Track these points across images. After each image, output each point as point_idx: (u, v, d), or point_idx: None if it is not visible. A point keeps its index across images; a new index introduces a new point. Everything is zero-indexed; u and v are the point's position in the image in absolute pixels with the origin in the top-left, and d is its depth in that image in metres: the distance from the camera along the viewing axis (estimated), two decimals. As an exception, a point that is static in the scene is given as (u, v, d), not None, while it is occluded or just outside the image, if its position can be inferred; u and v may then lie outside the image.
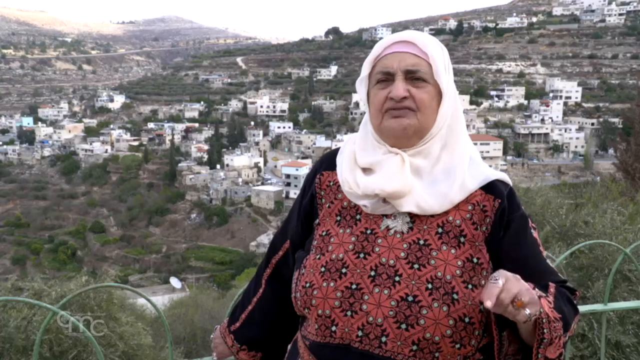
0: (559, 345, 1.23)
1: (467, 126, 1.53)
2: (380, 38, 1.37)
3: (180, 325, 10.17)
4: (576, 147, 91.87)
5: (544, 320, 1.19)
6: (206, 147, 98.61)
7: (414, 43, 1.36)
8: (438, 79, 1.35)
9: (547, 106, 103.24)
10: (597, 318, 3.26)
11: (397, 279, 1.30)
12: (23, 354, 3.86)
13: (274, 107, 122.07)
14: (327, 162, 1.53)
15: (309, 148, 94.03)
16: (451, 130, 1.40)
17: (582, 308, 2.38)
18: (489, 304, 1.12)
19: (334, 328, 1.32)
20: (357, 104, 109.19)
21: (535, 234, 1.41)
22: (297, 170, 73.21)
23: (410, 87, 1.34)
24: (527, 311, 1.15)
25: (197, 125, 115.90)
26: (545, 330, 1.20)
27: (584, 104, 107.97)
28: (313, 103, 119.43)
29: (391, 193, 1.33)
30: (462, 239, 1.33)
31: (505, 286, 1.14)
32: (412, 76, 1.34)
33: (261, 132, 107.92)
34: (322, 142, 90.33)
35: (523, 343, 1.28)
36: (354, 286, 1.31)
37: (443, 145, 1.39)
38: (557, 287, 1.32)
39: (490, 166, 1.45)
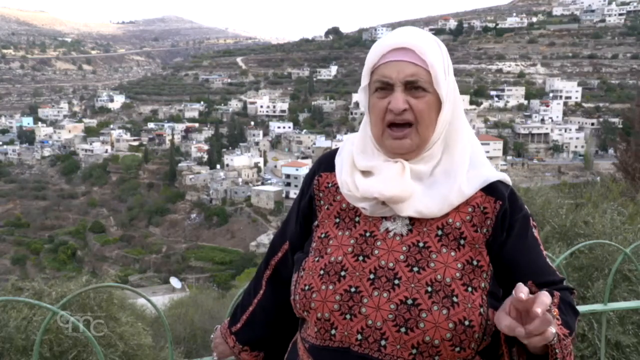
0: None
1: (467, 126, 1.51)
2: (379, 40, 1.38)
3: (180, 325, 10.18)
4: (576, 147, 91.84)
5: (555, 341, 1.18)
6: (206, 147, 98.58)
7: (412, 50, 1.33)
8: (437, 87, 1.33)
9: (547, 106, 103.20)
10: (597, 318, 3.26)
11: (396, 282, 1.29)
12: (23, 354, 3.87)
13: (274, 107, 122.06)
14: (326, 163, 1.51)
15: (309, 148, 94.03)
16: (451, 130, 1.39)
17: (582, 308, 2.38)
18: (538, 311, 1.08)
19: (333, 331, 1.32)
20: (357, 104, 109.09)
21: (536, 232, 1.40)
22: (297, 170, 73.17)
23: (410, 98, 1.32)
24: (553, 329, 1.12)
25: (197, 125, 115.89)
26: (557, 350, 1.18)
27: (584, 104, 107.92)
28: (313, 103, 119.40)
29: (390, 198, 1.32)
30: (462, 242, 1.32)
31: (539, 297, 1.11)
32: (412, 86, 1.33)
33: (261, 132, 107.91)
34: (322, 142, 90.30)
35: (529, 353, 1.25)
36: (353, 289, 1.31)
37: (444, 147, 1.38)
38: (560, 295, 1.32)
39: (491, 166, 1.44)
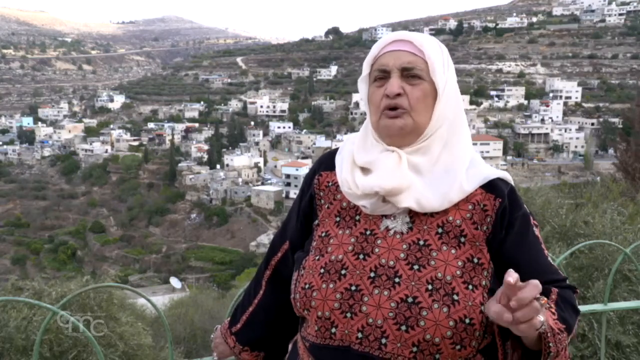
0: (564, 356, 1.25)
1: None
2: (381, 38, 1.40)
3: (180, 325, 10.18)
4: (576, 147, 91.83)
5: (548, 334, 1.19)
6: (206, 147, 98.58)
7: (410, 41, 1.38)
8: (434, 76, 1.36)
9: (547, 106, 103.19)
10: (597, 318, 3.26)
11: (396, 280, 1.29)
12: (23, 354, 3.87)
13: (274, 107, 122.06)
14: (326, 162, 1.53)
15: (309, 148, 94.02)
16: (452, 130, 1.40)
17: (582, 308, 2.37)
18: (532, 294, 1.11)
19: (333, 330, 1.32)
20: (357, 104, 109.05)
21: (537, 231, 1.41)
22: (297, 170, 73.19)
23: (405, 84, 1.35)
24: (541, 317, 1.14)
25: (197, 125, 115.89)
26: (550, 344, 1.20)
27: (584, 104, 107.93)
28: (313, 103, 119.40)
29: (390, 190, 1.33)
30: (462, 239, 1.32)
31: (529, 284, 1.14)
32: (408, 73, 1.35)
33: (261, 132, 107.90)
34: (322, 142, 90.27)
35: (525, 349, 1.28)
36: (353, 287, 1.31)
37: (444, 145, 1.39)
38: (559, 292, 1.33)
39: (491, 166, 1.45)
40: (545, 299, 1.16)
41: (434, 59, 1.36)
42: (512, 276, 1.10)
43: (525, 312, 1.11)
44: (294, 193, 68.34)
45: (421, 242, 1.32)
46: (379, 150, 1.40)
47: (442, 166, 1.37)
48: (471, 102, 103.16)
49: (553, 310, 1.26)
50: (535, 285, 1.12)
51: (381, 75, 1.38)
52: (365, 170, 1.40)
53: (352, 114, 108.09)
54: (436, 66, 1.36)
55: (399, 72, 1.36)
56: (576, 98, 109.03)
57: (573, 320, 1.31)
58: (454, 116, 1.40)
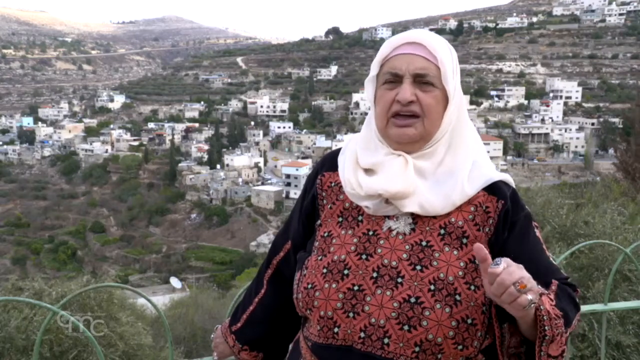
0: (561, 343, 1.23)
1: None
2: (381, 38, 1.35)
3: (180, 325, 10.16)
4: (576, 147, 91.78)
5: (544, 318, 1.19)
6: (206, 147, 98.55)
7: (423, 45, 1.35)
8: (446, 83, 1.35)
9: (547, 106, 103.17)
10: (597, 318, 3.26)
11: (399, 280, 1.29)
12: (23, 354, 3.87)
13: (274, 107, 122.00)
14: (329, 162, 1.52)
15: (309, 148, 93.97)
16: (455, 132, 1.40)
17: (582, 308, 2.36)
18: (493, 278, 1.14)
19: (336, 329, 1.32)
20: (357, 104, 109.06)
21: (538, 232, 1.41)
22: (297, 170, 73.21)
23: (418, 91, 1.34)
24: (529, 296, 1.14)
25: (197, 125, 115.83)
26: (546, 328, 1.20)
27: (584, 104, 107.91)
28: (313, 103, 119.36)
29: (395, 193, 1.33)
30: (464, 240, 1.33)
31: (507, 269, 1.14)
32: (421, 80, 1.34)
33: (261, 132, 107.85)
34: (322, 142, 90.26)
35: (525, 337, 1.28)
36: (356, 287, 1.31)
37: (447, 148, 1.39)
38: (559, 284, 1.32)
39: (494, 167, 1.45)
40: (523, 284, 1.15)
41: (446, 65, 1.35)
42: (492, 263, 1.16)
43: (505, 297, 1.13)
44: (294, 193, 68.35)
45: (424, 243, 1.33)
46: (384, 153, 1.39)
47: (445, 169, 1.37)
48: (471, 102, 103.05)
49: (551, 297, 1.26)
50: (510, 272, 1.14)
51: (392, 79, 1.36)
52: (369, 171, 1.39)
53: (352, 114, 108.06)
54: (448, 73, 1.35)
55: (411, 78, 1.34)
56: (576, 98, 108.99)
57: (572, 313, 1.30)
58: (457, 119, 1.40)
